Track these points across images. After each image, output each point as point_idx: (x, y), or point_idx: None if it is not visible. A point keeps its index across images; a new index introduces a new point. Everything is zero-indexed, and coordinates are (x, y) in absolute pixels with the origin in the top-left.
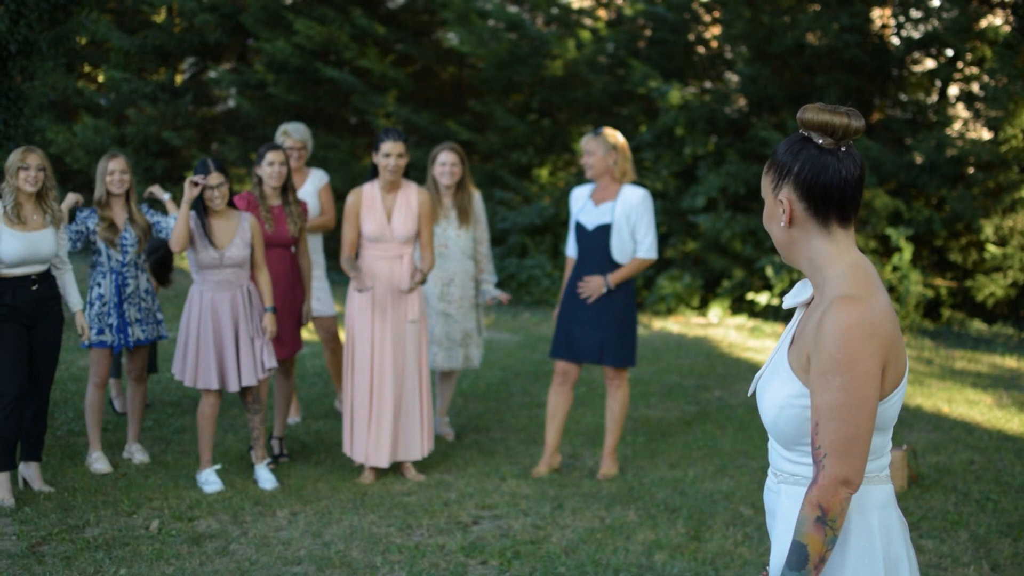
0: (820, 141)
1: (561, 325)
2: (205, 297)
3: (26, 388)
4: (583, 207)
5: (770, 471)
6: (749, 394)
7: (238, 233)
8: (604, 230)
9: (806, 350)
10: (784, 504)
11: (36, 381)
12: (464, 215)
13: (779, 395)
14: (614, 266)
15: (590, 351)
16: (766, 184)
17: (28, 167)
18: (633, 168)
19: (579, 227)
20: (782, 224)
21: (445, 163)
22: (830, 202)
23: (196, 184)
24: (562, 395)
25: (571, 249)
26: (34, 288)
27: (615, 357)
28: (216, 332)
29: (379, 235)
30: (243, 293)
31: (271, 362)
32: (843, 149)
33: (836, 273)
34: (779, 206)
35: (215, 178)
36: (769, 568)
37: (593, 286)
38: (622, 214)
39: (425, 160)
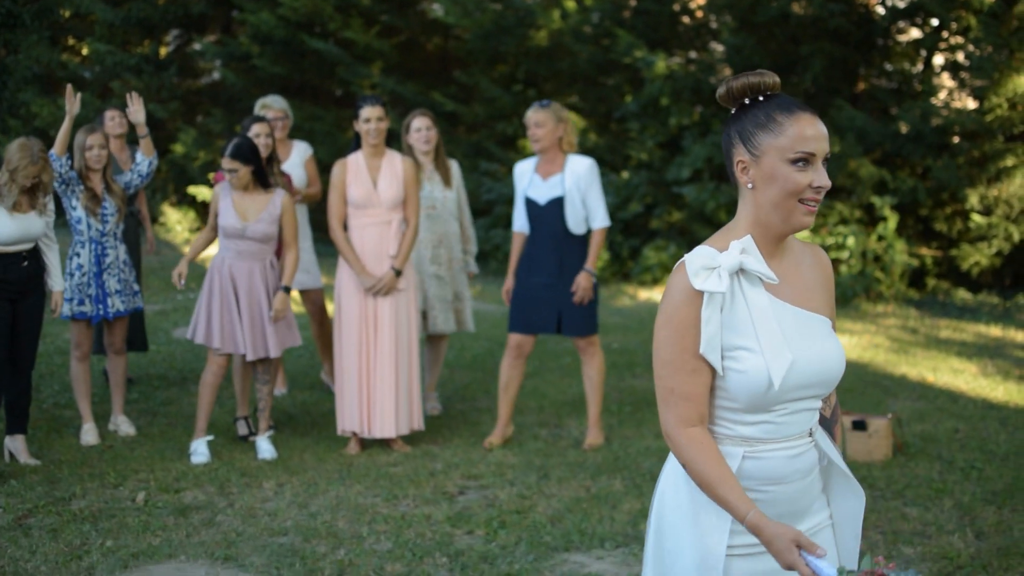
0: None
1: (517, 300)
2: (225, 264)
3: (5, 364)
4: (531, 182)
5: (797, 439)
6: (778, 384)
7: (267, 209)
8: (557, 203)
9: (830, 295)
10: (823, 447)
11: (20, 354)
12: (446, 177)
13: (838, 343)
14: (569, 237)
15: (547, 323)
16: None
17: (41, 181)
18: (576, 137)
19: (530, 203)
20: None
21: (420, 128)
22: None
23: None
24: (516, 368)
25: (520, 224)
26: (24, 264)
27: (576, 328)
28: (235, 299)
29: (366, 201)
30: (263, 267)
31: (292, 341)
32: None
33: None
34: None
35: (227, 163)
36: (848, 509)
37: (584, 285)
38: (572, 185)
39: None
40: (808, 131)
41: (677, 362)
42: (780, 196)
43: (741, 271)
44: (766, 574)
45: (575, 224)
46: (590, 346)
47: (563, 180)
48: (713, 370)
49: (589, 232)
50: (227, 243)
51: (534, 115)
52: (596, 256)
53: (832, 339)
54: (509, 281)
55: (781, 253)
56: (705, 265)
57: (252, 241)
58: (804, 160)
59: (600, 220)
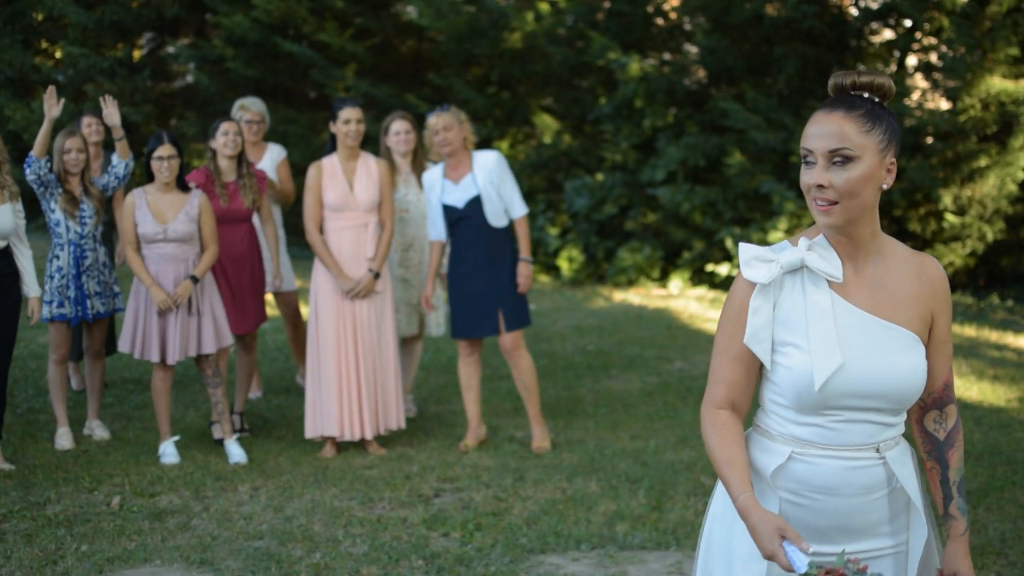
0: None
1: (457, 305)
2: (149, 271)
3: None
4: (443, 189)
5: (857, 451)
6: (819, 386)
7: (184, 209)
8: (476, 203)
9: (928, 310)
10: (898, 468)
11: None
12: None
13: (918, 361)
14: (492, 233)
15: (491, 325)
16: (871, 144)
17: None
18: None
19: (449, 209)
20: (885, 187)
21: (399, 131)
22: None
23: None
24: (471, 366)
25: (436, 233)
26: None
27: (515, 320)
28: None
29: (343, 204)
30: (187, 269)
31: (221, 342)
32: None
33: (885, 234)
34: (886, 168)
35: (166, 150)
36: (912, 543)
37: (525, 274)
38: (486, 181)
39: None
40: (811, 128)
41: (722, 344)
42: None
43: (806, 268)
44: None
45: (495, 218)
46: (517, 348)
47: (475, 179)
48: (761, 362)
49: (509, 224)
50: (148, 250)
51: (440, 120)
52: (528, 244)
53: (909, 354)
54: (429, 288)
55: (865, 256)
56: (758, 256)
57: (173, 243)
58: (806, 158)
59: (519, 209)
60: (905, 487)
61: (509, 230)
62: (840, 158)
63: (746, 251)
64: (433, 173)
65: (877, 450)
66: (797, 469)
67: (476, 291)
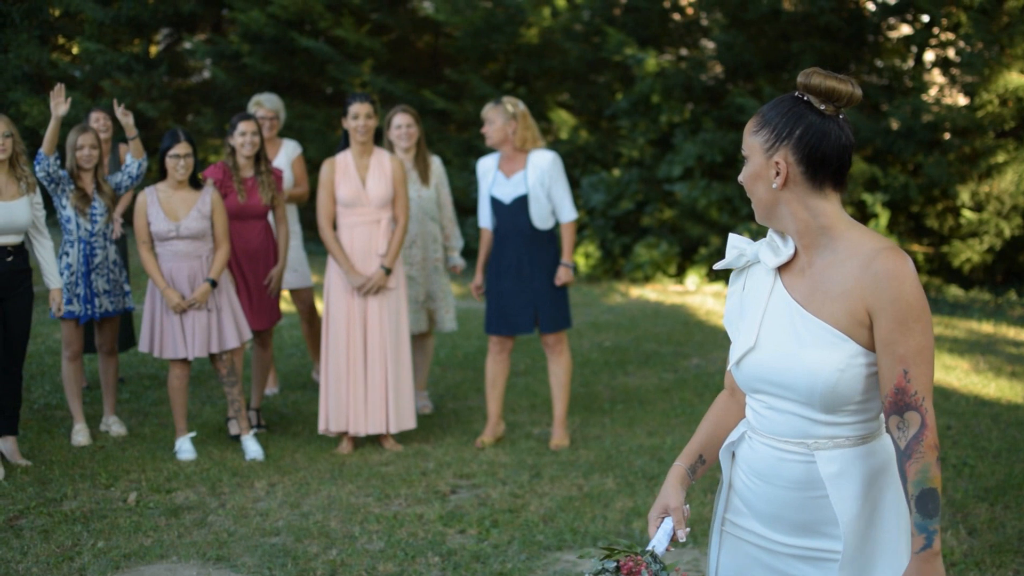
0: (821, 107)
1: (492, 300)
2: (164, 269)
3: None
4: (495, 180)
5: (784, 443)
6: (730, 366)
7: (196, 206)
8: (521, 201)
9: (862, 306)
10: (829, 470)
11: (9, 355)
12: (424, 176)
13: (834, 359)
14: (536, 233)
15: (526, 322)
16: (755, 144)
17: None
18: (539, 135)
19: (495, 201)
20: (774, 186)
21: (400, 125)
22: (828, 167)
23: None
24: (500, 363)
25: (486, 221)
26: (9, 260)
27: (552, 322)
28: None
29: (355, 200)
30: (202, 265)
31: (242, 337)
32: (841, 116)
33: (850, 228)
34: (772, 168)
35: (183, 148)
36: (844, 536)
37: (564, 279)
38: (536, 182)
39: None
40: None
41: None
42: None
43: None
44: (748, 559)
45: (541, 220)
46: (559, 343)
47: (526, 177)
48: None
49: (555, 226)
50: (162, 248)
51: (485, 112)
52: (571, 249)
53: (823, 350)
54: (479, 277)
55: (815, 249)
56: (734, 245)
57: (187, 240)
58: None
59: (568, 213)
60: (830, 496)
61: (552, 232)
62: (744, 158)
63: (730, 240)
64: (488, 161)
65: (807, 447)
66: (746, 450)
67: (510, 288)
